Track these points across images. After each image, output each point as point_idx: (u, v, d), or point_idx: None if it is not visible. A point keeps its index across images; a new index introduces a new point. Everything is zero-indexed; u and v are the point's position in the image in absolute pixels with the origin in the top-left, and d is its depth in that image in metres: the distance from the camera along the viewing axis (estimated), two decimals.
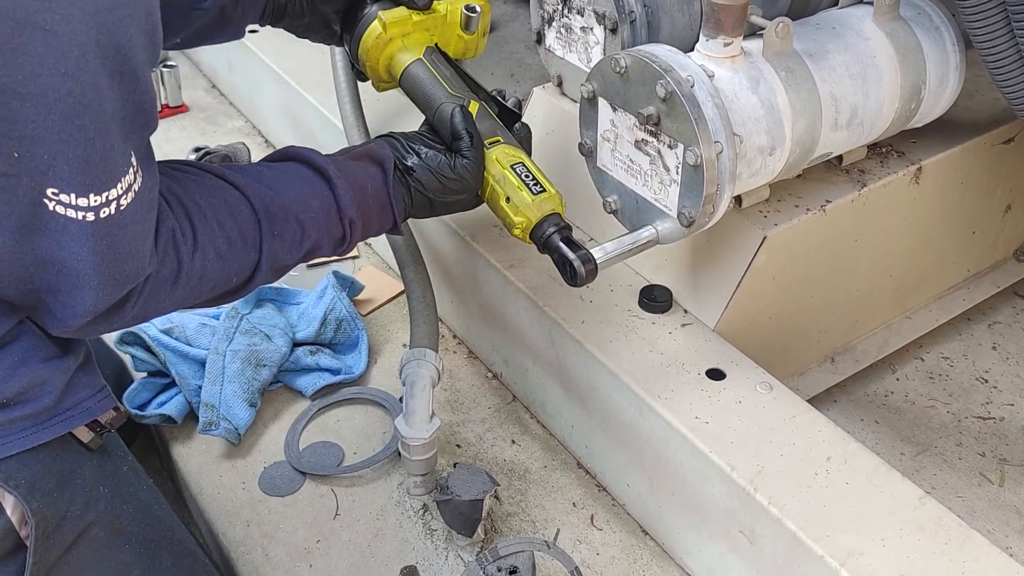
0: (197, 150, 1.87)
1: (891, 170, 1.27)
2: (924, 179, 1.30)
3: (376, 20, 1.21)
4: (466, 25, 1.28)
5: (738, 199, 1.18)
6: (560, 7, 1.38)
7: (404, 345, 1.53)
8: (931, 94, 1.21)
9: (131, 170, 0.80)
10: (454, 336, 1.55)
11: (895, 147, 1.31)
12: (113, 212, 0.79)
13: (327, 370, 1.46)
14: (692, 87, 1.00)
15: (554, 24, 1.42)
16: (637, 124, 1.06)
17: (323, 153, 1.10)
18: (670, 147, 1.03)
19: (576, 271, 1.05)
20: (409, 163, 1.11)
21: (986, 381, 1.45)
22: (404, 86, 1.23)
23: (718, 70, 1.05)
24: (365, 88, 1.43)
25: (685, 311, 1.24)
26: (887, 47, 1.15)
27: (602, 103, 1.11)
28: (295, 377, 1.45)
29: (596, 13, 1.32)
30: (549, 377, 1.31)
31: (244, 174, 1.01)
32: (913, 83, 1.18)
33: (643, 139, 1.07)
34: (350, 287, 1.58)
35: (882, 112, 1.17)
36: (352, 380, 1.46)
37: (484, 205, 1.18)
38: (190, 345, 1.42)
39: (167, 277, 0.90)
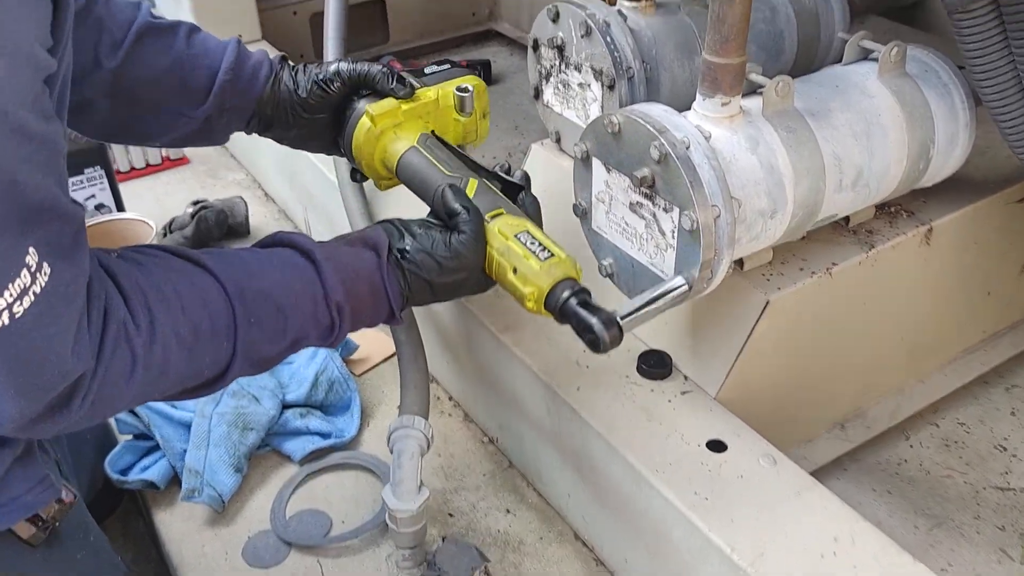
0: (195, 203, 1.85)
1: (900, 231, 1.22)
2: (935, 239, 1.25)
3: (364, 115, 1.16)
4: (460, 107, 1.22)
5: (740, 262, 1.14)
6: (557, 62, 1.35)
7: (398, 407, 1.48)
8: (940, 153, 1.16)
9: (25, 271, 0.72)
10: (450, 398, 1.50)
11: (904, 207, 1.26)
12: (7, 322, 0.71)
13: (317, 434, 1.41)
14: (688, 149, 0.96)
15: (552, 80, 1.39)
16: (631, 186, 1.02)
17: (314, 239, 1.03)
18: (665, 211, 0.99)
19: (598, 336, 0.94)
20: (403, 245, 1.03)
21: (1005, 449, 1.38)
22: (402, 177, 1.18)
23: (715, 130, 1.01)
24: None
25: (685, 378, 1.18)
26: (893, 105, 1.11)
27: (596, 163, 1.07)
28: (284, 440, 1.41)
29: (593, 69, 1.28)
30: (545, 444, 1.26)
31: (219, 257, 0.94)
32: (921, 142, 1.13)
33: (638, 201, 1.03)
34: (344, 346, 1.54)
35: (889, 172, 1.12)
36: (343, 444, 1.41)
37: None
38: (175, 407, 1.38)
39: (121, 372, 0.82)
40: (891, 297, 1.27)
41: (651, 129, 0.96)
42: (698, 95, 1.03)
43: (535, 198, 1.13)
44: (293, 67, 1.19)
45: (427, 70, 1.26)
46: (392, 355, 1.59)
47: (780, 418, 1.25)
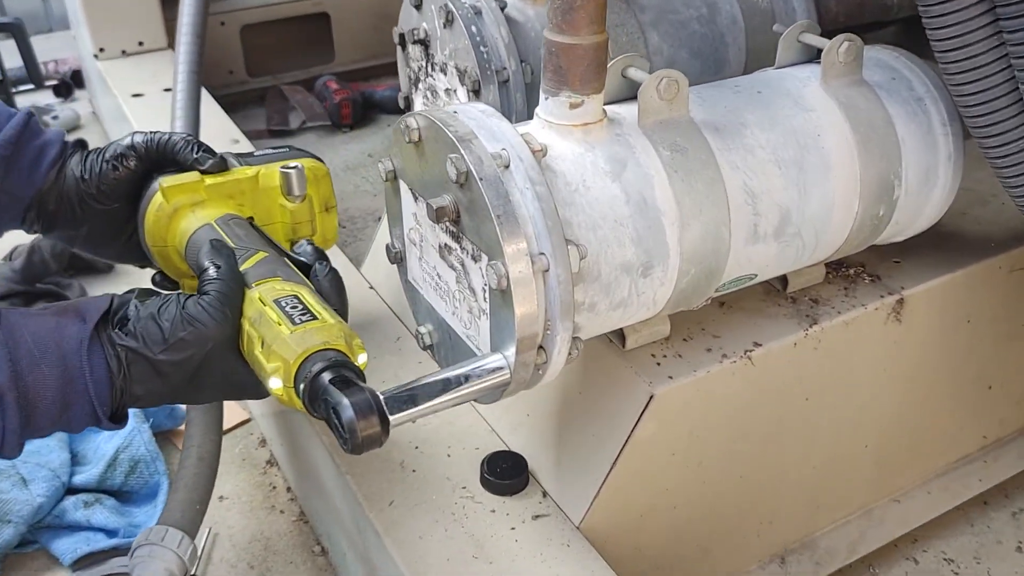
0: None
1: (858, 301, 0.89)
2: (908, 314, 0.91)
3: (158, 191, 0.89)
4: (287, 189, 0.93)
5: (621, 337, 0.81)
6: (424, 64, 1.05)
7: (221, 498, 1.16)
8: (911, 193, 0.83)
9: None
10: (288, 489, 1.17)
11: (868, 269, 0.93)
12: None
13: (100, 530, 1.10)
14: (506, 168, 0.64)
15: (420, 86, 1.08)
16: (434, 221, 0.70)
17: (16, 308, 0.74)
18: (474, 259, 0.67)
19: (345, 424, 0.62)
20: (125, 313, 0.74)
21: None
22: (189, 262, 0.88)
23: (560, 143, 0.69)
24: None
25: (544, 494, 0.85)
26: (839, 122, 0.78)
27: (403, 188, 0.76)
28: (54, 537, 1.09)
29: (458, 70, 0.98)
30: (361, 569, 0.93)
31: None
32: (880, 176, 0.80)
33: (446, 244, 0.71)
34: (168, 414, 1.22)
35: (832, 217, 0.79)
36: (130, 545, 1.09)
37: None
38: None
39: None
40: (846, 391, 0.93)
41: (451, 137, 0.64)
42: (540, 92, 0.70)
43: (335, 272, 0.82)
44: (87, 152, 0.94)
45: (257, 152, 0.99)
46: (239, 424, 1.27)
47: (687, 552, 0.91)
